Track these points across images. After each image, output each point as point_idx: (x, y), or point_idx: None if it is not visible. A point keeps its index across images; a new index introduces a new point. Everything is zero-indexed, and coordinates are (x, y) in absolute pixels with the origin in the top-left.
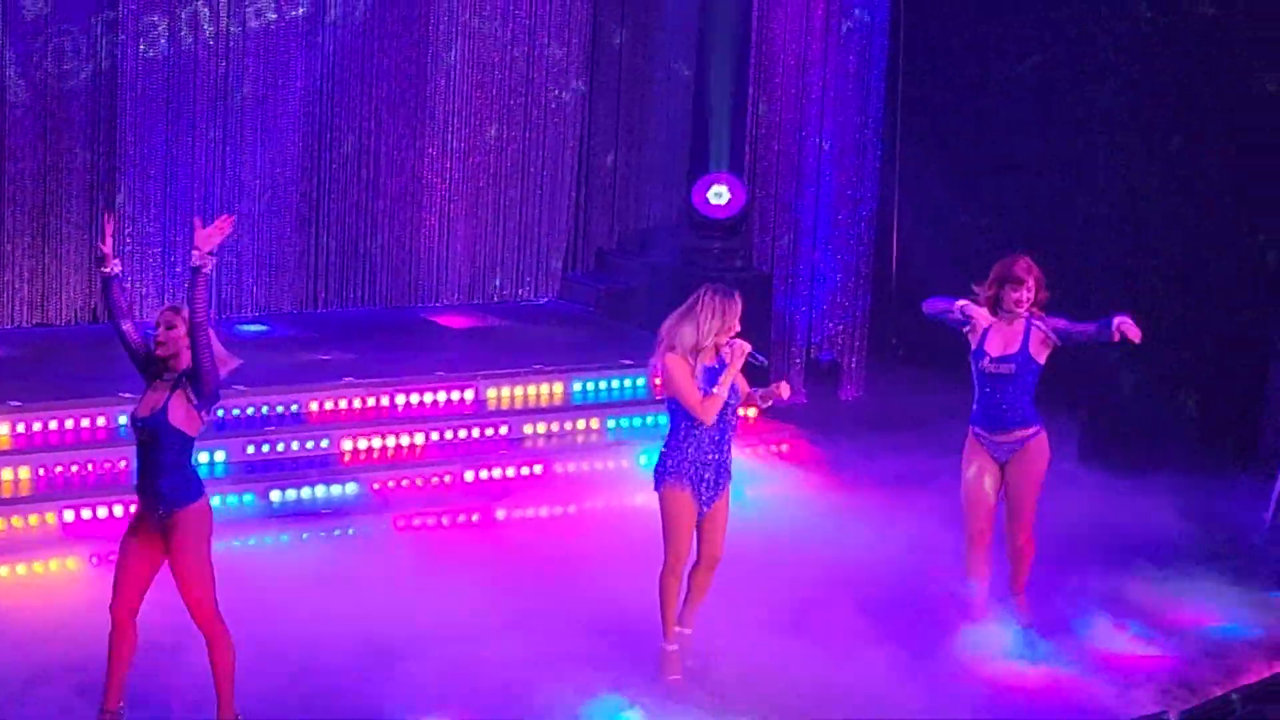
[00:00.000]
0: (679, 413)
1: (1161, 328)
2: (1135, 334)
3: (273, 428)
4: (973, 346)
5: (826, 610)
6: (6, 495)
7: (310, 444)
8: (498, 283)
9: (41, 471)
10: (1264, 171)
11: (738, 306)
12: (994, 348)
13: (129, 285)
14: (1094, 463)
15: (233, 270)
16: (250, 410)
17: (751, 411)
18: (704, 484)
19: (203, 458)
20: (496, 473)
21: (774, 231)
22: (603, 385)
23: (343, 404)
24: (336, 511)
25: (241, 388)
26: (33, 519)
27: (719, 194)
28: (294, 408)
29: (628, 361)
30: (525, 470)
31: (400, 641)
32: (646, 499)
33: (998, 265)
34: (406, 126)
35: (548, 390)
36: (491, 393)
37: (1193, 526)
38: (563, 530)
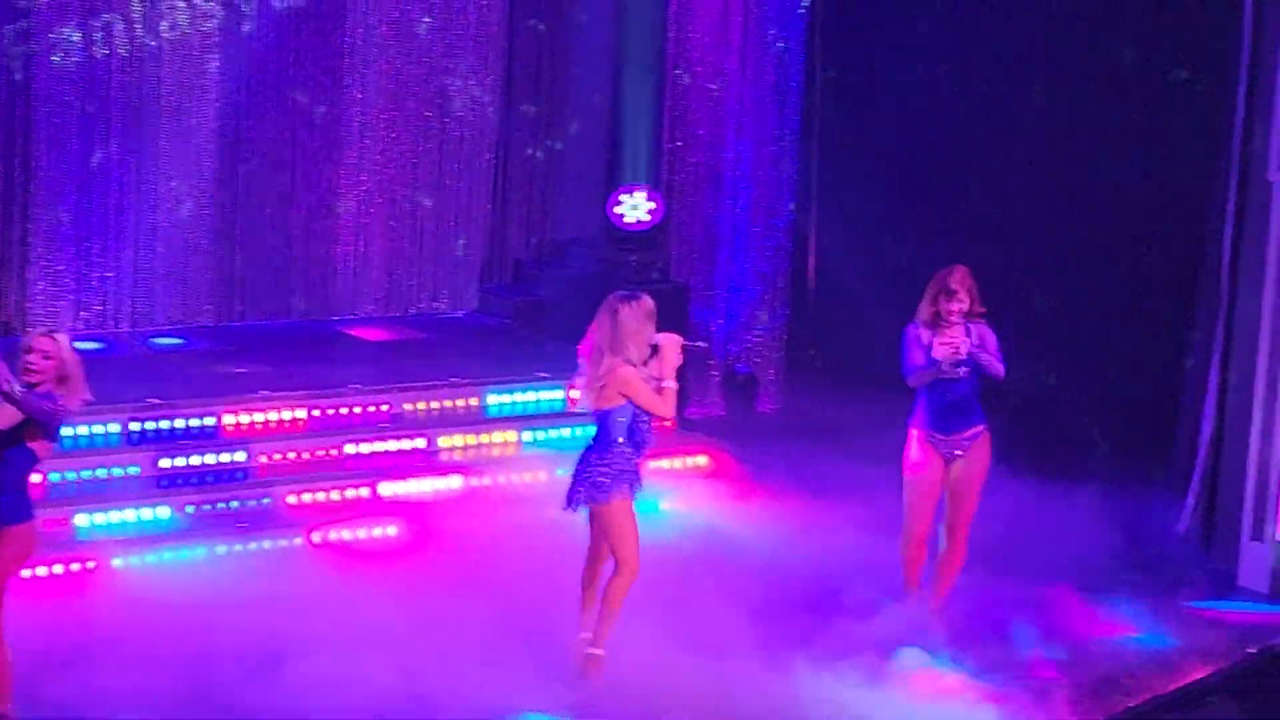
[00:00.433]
0: (612, 426)
1: (1078, 336)
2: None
3: (187, 441)
4: (921, 360)
5: (743, 621)
6: None
7: (225, 457)
8: (414, 295)
9: None
10: (1176, 181)
11: (650, 302)
12: (943, 354)
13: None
14: (1010, 472)
15: (147, 283)
16: (164, 424)
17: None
18: (634, 492)
19: (116, 471)
20: (413, 485)
21: (691, 243)
22: (519, 398)
23: (258, 417)
24: (251, 524)
25: (156, 401)
26: None
27: (636, 206)
28: (209, 421)
29: (544, 374)
30: (441, 483)
31: (311, 655)
32: (563, 513)
33: (935, 276)
34: (322, 138)
35: (464, 403)
36: (407, 405)
37: (1108, 536)
38: (479, 543)
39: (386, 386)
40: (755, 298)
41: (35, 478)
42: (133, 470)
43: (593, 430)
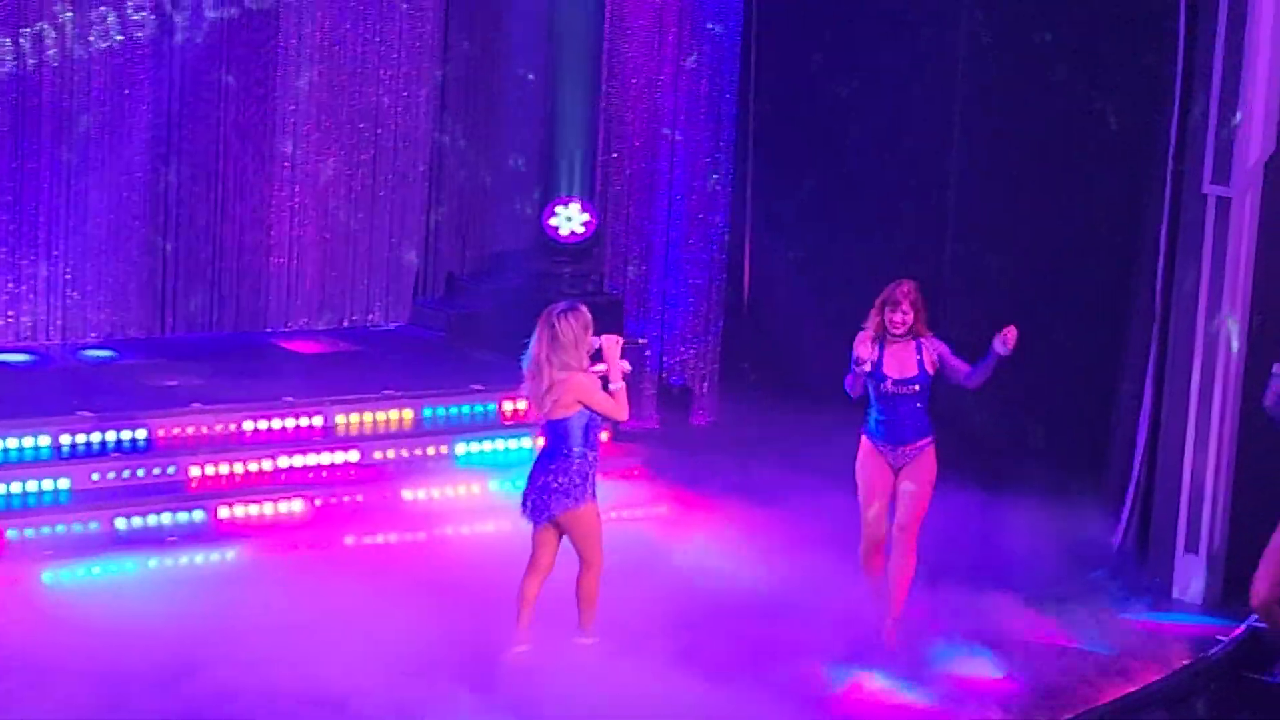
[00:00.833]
0: (566, 434)
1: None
2: (1011, 334)
3: (118, 454)
4: (867, 370)
5: (677, 631)
6: None
7: (157, 470)
8: (348, 307)
9: None
10: (1111, 195)
11: (587, 313)
12: (892, 370)
13: None
14: (946, 485)
15: (78, 294)
16: (96, 436)
17: (604, 434)
18: (595, 494)
19: (46, 484)
20: (346, 498)
21: (625, 255)
22: (453, 410)
23: (190, 430)
24: (183, 539)
25: (87, 414)
26: None
27: (570, 218)
28: (140, 434)
29: (478, 387)
30: (375, 494)
31: (228, 666)
32: (498, 525)
33: (884, 290)
34: (255, 149)
35: (397, 416)
36: (341, 418)
37: (1043, 548)
38: (412, 556)
39: (320, 399)
40: (690, 310)
41: None
42: (63, 483)
43: (542, 441)
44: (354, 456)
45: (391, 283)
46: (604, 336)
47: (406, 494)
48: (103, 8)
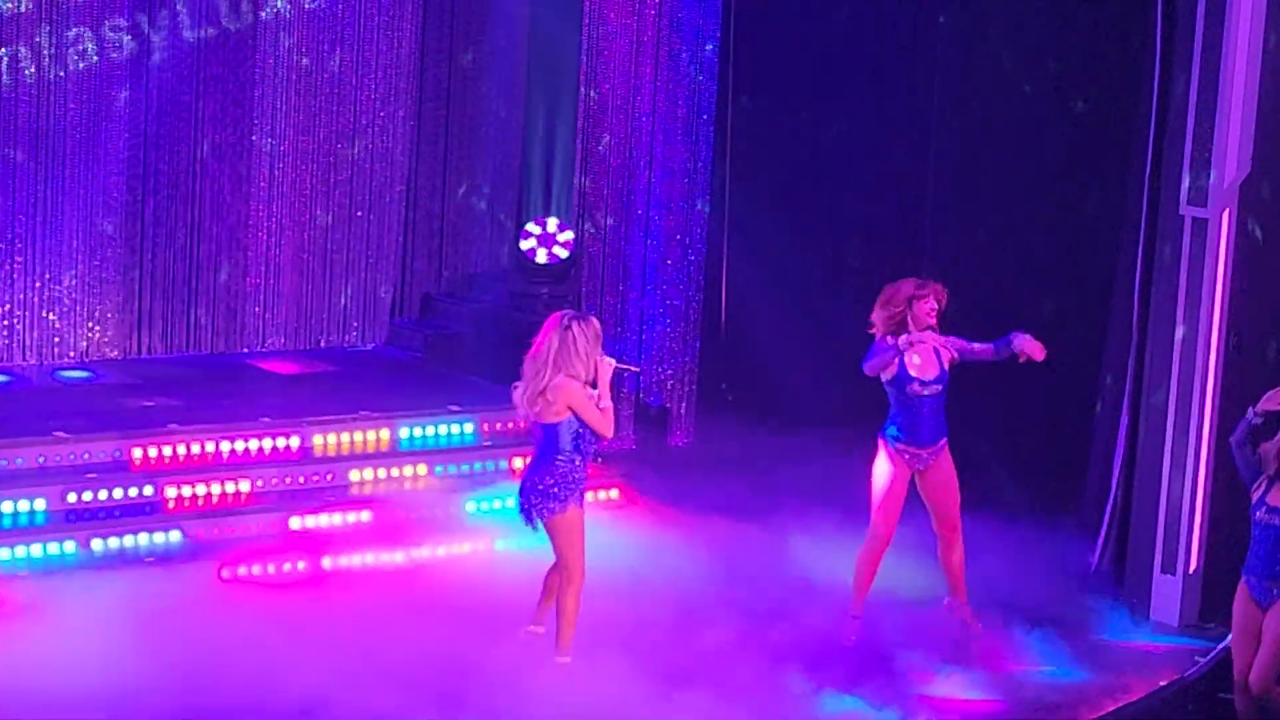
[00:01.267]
0: (555, 438)
1: (991, 369)
2: (1037, 351)
3: (94, 475)
4: (893, 372)
5: (656, 649)
6: None
7: (133, 491)
8: (324, 328)
9: None
10: (1088, 216)
11: (598, 325)
12: (917, 371)
13: None
14: (923, 506)
15: (55, 315)
16: (71, 457)
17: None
18: (582, 500)
19: (23, 505)
20: (323, 520)
21: (603, 276)
22: (430, 431)
23: (166, 451)
24: (159, 560)
25: (62, 435)
26: None
27: (547, 238)
28: (116, 455)
29: (455, 407)
30: (352, 517)
31: (217, 693)
32: (475, 546)
33: (891, 290)
34: (232, 169)
35: (374, 436)
36: (318, 439)
37: (1020, 569)
38: (390, 578)
39: (296, 420)
40: (667, 331)
41: None
42: (39, 504)
43: (534, 445)
44: (330, 477)
45: (368, 303)
46: (601, 357)
47: (384, 515)
48: (79, 28)
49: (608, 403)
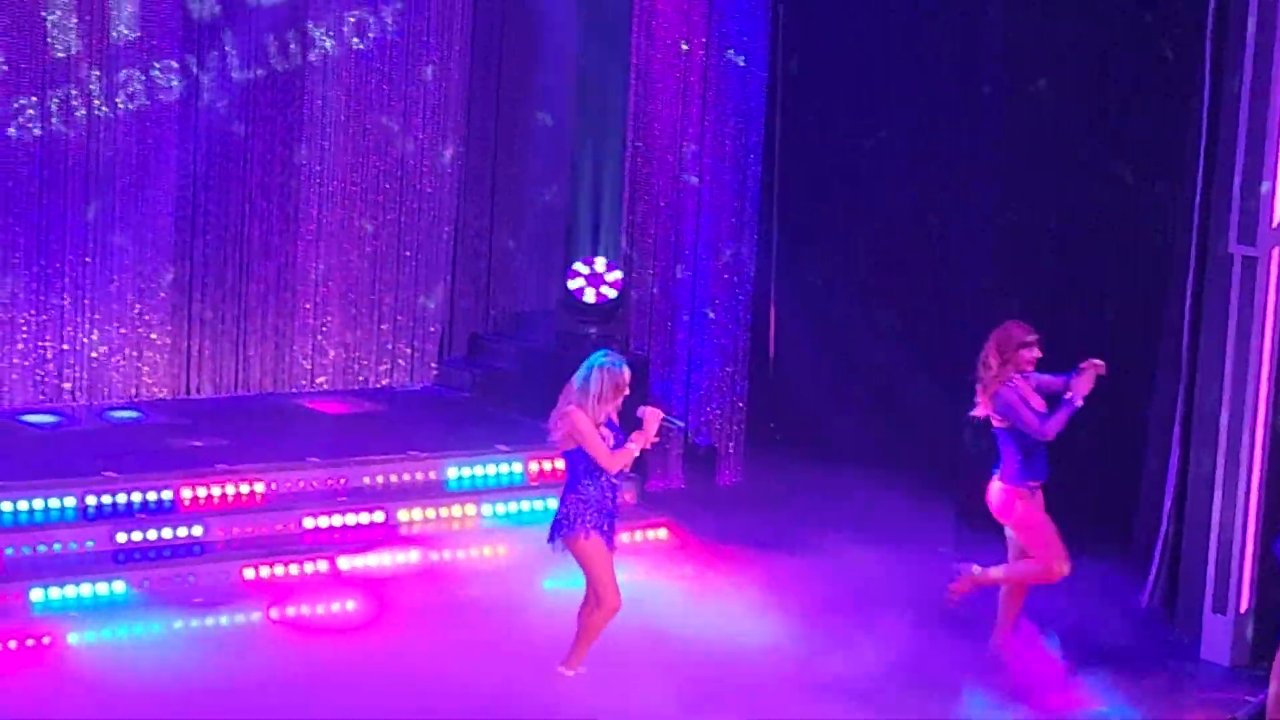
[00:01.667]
0: (581, 465)
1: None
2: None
3: (144, 514)
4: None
5: (706, 692)
6: None
7: (182, 531)
8: (372, 368)
9: None
10: (1137, 255)
11: (626, 376)
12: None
13: None
14: (972, 539)
15: (104, 356)
16: (121, 497)
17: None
18: (612, 531)
19: (72, 545)
20: (372, 559)
21: (651, 315)
22: (478, 471)
23: (215, 491)
24: (208, 600)
25: (112, 475)
26: None
27: (595, 278)
28: (166, 495)
29: (504, 447)
30: (401, 557)
31: None
32: (522, 588)
33: (1002, 334)
34: (280, 210)
35: (423, 476)
36: (366, 479)
37: (1070, 607)
38: (438, 617)
39: (344, 459)
40: (715, 370)
41: None
42: (89, 544)
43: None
44: (379, 517)
45: (416, 343)
46: (648, 410)
47: (432, 555)
48: (129, 70)
49: (635, 448)
